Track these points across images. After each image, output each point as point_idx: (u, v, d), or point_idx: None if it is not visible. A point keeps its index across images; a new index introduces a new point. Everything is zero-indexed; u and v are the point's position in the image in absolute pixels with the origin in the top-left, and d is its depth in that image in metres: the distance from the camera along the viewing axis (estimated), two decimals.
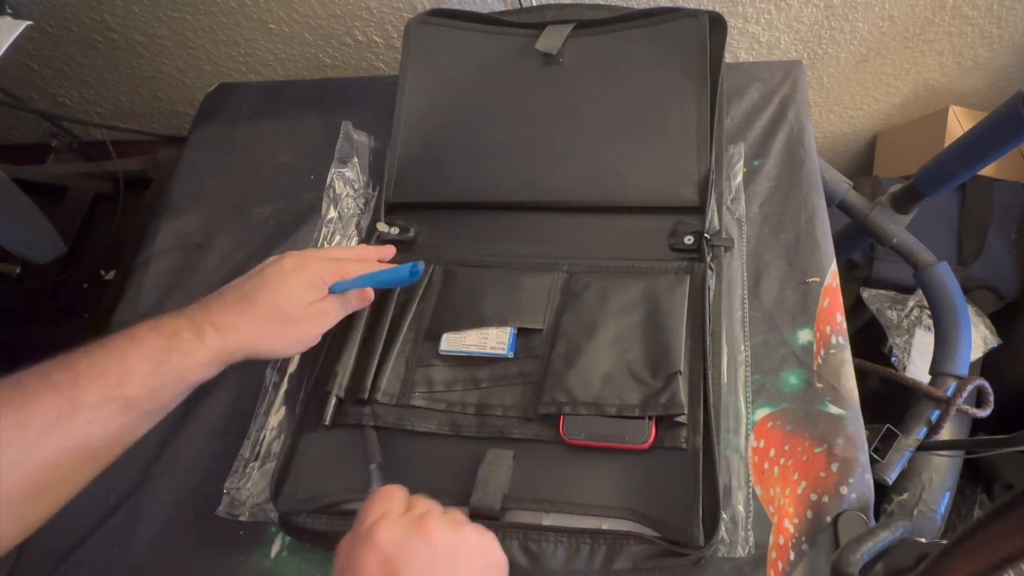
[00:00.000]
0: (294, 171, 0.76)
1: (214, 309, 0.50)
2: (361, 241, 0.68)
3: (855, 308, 1.07)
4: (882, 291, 1.06)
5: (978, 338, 0.98)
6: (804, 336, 0.58)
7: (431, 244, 0.67)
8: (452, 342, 0.58)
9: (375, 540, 0.38)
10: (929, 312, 0.86)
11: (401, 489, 0.44)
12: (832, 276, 0.60)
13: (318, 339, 0.56)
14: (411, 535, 0.39)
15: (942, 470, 0.84)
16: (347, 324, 0.61)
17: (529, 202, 0.67)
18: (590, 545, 0.48)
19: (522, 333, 0.59)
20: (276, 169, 0.78)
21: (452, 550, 0.39)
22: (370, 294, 0.59)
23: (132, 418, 0.45)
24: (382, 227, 0.67)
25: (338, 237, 0.69)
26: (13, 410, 0.41)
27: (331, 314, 0.55)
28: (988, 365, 0.99)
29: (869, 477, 0.51)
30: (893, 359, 0.99)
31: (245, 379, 0.63)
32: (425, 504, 0.42)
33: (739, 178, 0.66)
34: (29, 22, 0.74)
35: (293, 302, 0.52)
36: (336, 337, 0.60)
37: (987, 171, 1.05)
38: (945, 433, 0.75)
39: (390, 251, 0.62)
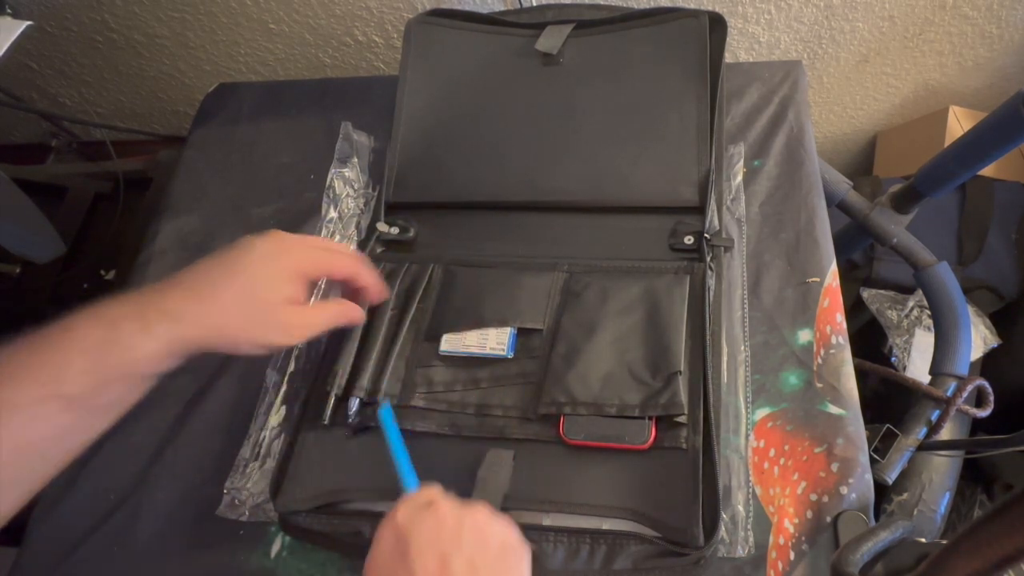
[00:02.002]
0: (294, 171, 0.76)
1: (169, 295, 0.44)
2: (361, 242, 0.68)
3: (855, 308, 1.07)
4: (882, 291, 1.06)
5: (978, 338, 0.98)
6: (804, 336, 0.58)
7: (431, 244, 0.67)
8: (452, 343, 0.58)
9: (393, 518, 0.42)
10: (929, 312, 0.86)
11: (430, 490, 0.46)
12: (832, 276, 0.60)
13: (290, 345, 0.51)
14: (422, 512, 0.42)
15: (942, 470, 0.84)
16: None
17: (529, 202, 0.67)
18: (590, 545, 0.48)
19: (522, 333, 0.59)
20: (276, 169, 0.78)
21: (459, 523, 0.41)
22: (356, 315, 0.54)
23: (76, 416, 0.42)
24: (382, 227, 0.67)
25: (338, 237, 0.69)
26: None
27: (307, 327, 0.48)
28: (988, 365, 0.99)
29: (869, 477, 0.51)
30: (893, 359, 0.99)
31: (245, 379, 0.63)
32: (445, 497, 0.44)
33: (739, 178, 0.66)
34: (29, 22, 0.74)
35: (263, 297, 0.46)
36: (336, 336, 0.60)
37: (987, 171, 1.05)
38: (945, 433, 0.75)
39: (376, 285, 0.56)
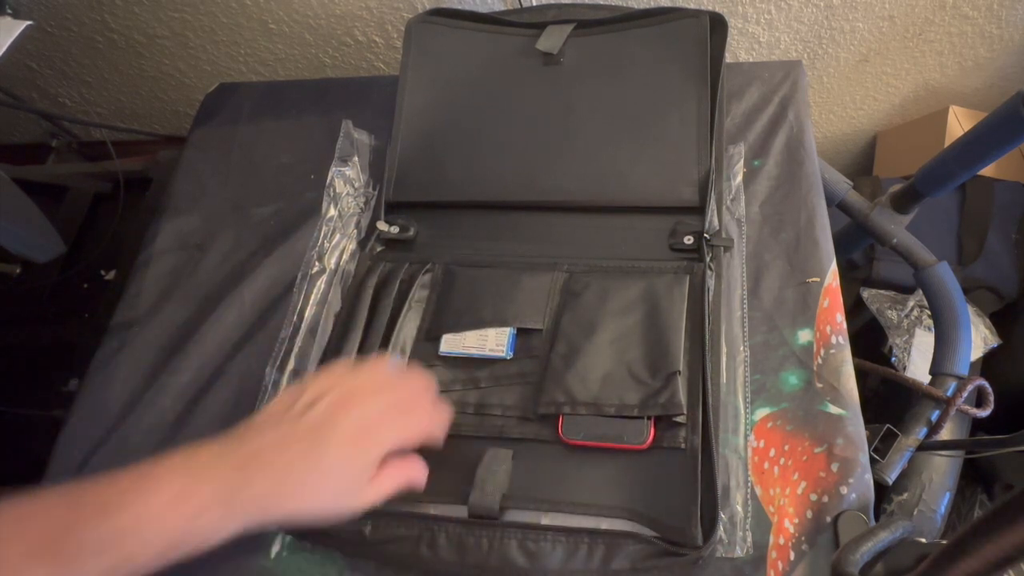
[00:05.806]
0: (294, 171, 0.76)
1: (256, 480, 0.42)
2: (361, 240, 0.68)
3: (855, 308, 1.07)
4: (882, 291, 1.06)
5: (978, 338, 0.98)
6: (804, 336, 0.58)
7: (431, 243, 0.67)
8: (451, 343, 0.58)
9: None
10: (929, 312, 0.86)
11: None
12: (832, 276, 0.60)
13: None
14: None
15: (942, 470, 0.84)
16: (346, 323, 0.61)
17: (529, 202, 0.67)
18: (588, 545, 0.48)
19: (521, 333, 0.59)
20: (276, 169, 0.78)
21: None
22: (421, 479, 0.49)
23: None
24: (382, 226, 0.67)
25: (338, 236, 0.69)
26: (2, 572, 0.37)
27: (375, 501, 0.46)
28: (988, 365, 0.99)
29: (869, 477, 0.51)
30: (893, 359, 0.99)
31: (245, 378, 0.63)
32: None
33: (739, 178, 0.66)
34: (29, 22, 0.74)
35: (349, 492, 0.44)
36: (335, 336, 0.60)
37: (987, 171, 1.05)
38: (945, 433, 0.75)
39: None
